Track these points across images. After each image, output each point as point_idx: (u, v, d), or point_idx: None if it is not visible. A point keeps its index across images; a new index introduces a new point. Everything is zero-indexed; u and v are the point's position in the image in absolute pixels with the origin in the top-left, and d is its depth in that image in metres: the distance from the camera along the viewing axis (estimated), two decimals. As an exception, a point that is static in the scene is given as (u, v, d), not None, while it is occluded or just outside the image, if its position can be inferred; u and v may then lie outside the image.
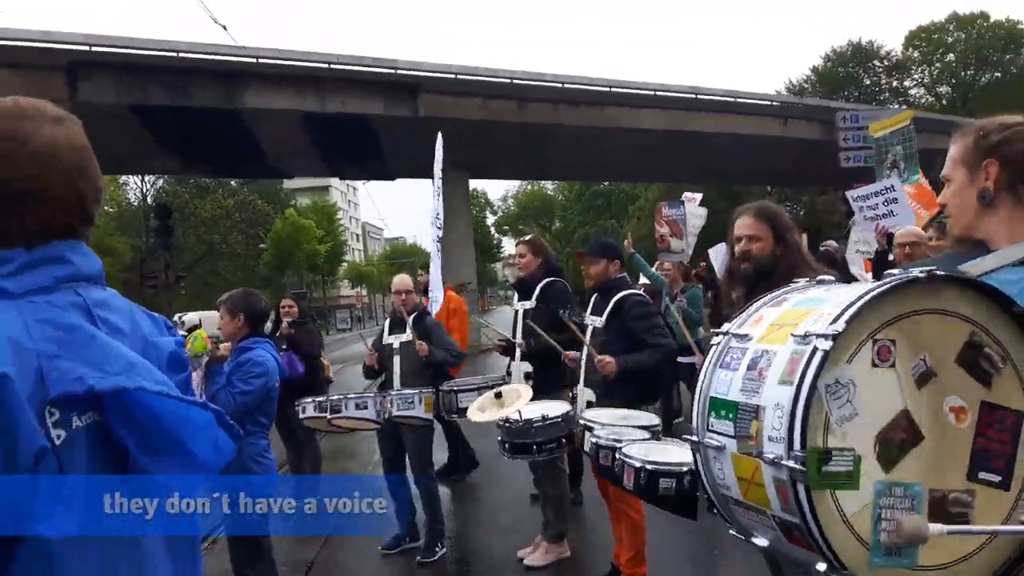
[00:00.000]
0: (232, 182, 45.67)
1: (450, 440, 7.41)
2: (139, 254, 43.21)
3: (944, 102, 47.95)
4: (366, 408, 4.94)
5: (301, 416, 5.03)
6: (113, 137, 22.08)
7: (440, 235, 7.56)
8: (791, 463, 1.22)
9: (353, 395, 5.09)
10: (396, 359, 5.46)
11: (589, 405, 4.26)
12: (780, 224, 2.97)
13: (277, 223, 51.91)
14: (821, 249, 7.57)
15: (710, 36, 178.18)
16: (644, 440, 3.07)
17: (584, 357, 4.47)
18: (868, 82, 50.08)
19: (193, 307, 36.14)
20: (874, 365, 1.28)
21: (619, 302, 4.39)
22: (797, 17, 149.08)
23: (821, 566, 1.23)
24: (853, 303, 1.26)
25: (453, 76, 22.92)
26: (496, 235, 68.74)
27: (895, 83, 50.72)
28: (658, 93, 25.78)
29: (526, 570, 4.87)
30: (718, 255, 8.56)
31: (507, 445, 3.84)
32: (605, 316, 4.41)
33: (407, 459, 5.43)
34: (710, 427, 1.45)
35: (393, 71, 22.14)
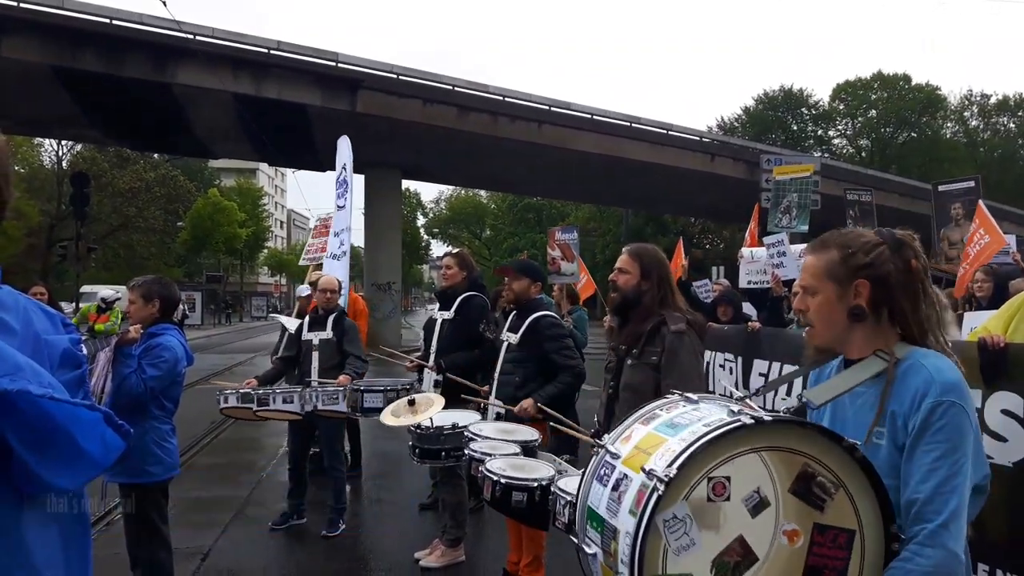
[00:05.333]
0: (155, 155, 44.02)
1: (351, 436, 7.47)
2: (48, 219, 41.16)
3: (864, 154, 50.50)
4: (292, 402, 5.38)
5: (222, 406, 5.37)
6: (33, 99, 21.15)
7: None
8: None
9: (280, 389, 5.50)
10: (314, 355, 5.81)
11: (498, 417, 4.44)
12: (647, 263, 3.34)
13: (198, 202, 50.32)
14: (712, 286, 7.76)
15: (650, 68, 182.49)
16: (512, 455, 3.18)
17: (498, 371, 4.67)
18: (795, 128, 52.29)
19: (101, 279, 34.65)
20: (709, 500, 1.40)
21: (534, 322, 4.60)
22: (735, 56, 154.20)
23: None
24: (687, 448, 1.40)
25: (395, 76, 22.82)
26: (425, 237, 68.40)
27: (820, 132, 53.15)
28: (595, 117, 26.26)
29: (422, 571, 5.01)
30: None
31: (417, 450, 4.03)
32: (520, 334, 4.62)
33: (310, 450, 6.14)
34: (587, 534, 1.60)
35: (334, 64, 21.90)
